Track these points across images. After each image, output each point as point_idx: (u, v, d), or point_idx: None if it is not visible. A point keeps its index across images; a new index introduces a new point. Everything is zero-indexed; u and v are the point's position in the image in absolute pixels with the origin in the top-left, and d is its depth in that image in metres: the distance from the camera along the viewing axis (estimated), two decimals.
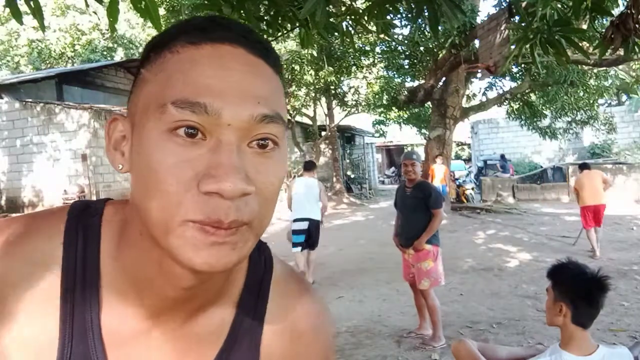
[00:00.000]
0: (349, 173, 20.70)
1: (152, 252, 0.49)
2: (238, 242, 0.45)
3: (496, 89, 13.67)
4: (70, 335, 0.50)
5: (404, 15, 7.36)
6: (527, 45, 2.79)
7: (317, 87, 15.08)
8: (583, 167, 7.53)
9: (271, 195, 0.49)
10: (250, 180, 0.45)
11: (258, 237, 0.49)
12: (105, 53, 23.55)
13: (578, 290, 1.74)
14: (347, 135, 22.19)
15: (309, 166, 6.49)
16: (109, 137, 0.52)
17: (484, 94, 13.87)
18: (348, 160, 21.58)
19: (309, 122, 18.11)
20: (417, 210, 4.09)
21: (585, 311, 1.73)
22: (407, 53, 12.41)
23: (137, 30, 24.16)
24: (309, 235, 6.22)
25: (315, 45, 12.22)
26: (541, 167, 17.22)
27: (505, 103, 13.80)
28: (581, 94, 12.34)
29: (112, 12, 2.04)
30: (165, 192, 0.44)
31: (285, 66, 14.43)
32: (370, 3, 2.62)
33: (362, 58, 14.58)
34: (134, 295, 0.53)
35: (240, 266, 0.59)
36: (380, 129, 19.36)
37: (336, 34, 2.79)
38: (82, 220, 0.55)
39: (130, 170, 0.50)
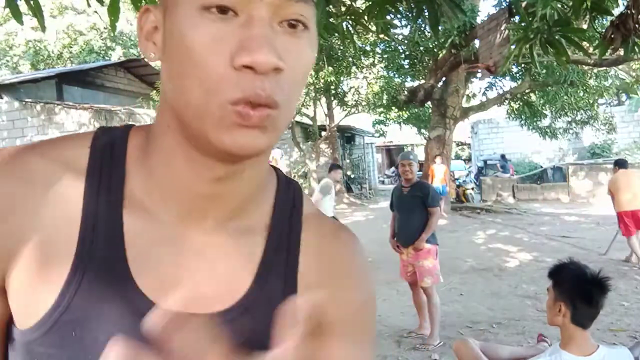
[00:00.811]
0: (349, 173, 20.70)
1: (181, 144, 0.49)
2: (268, 126, 0.45)
3: (496, 89, 13.67)
4: (90, 236, 0.50)
5: (404, 15, 7.35)
6: (527, 45, 2.79)
7: (317, 87, 15.08)
8: (619, 164, 6.53)
9: (300, 78, 0.49)
10: (282, 57, 0.44)
11: (286, 124, 0.49)
12: (102, 53, 23.55)
13: (577, 291, 1.74)
14: (347, 135, 22.19)
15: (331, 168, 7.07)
16: (141, 28, 0.52)
17: (484, 94, 13.87)
18: (348, 160, 21.58)
19: (309, 122, 18.11)
20: (415, 209, 4.11)
21: (585, 311, 1.73)
22: (407, 53, 12.40)
23: (134, 28, 24.17)
24: None
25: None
26: (541, 167, 17.22)
27: (505, 103, 13.80)
28: (581, 94, 12.33)
29: (113, 12, 2.04)
30: (202, 69, 0.44)
31: None
32: (370, 3, 2.62)
33: (362, 58, 14.57)
34: (160, 197, 0.52)
35: (271, 184, 0.60)
36: (380, 129, 19.35)
37: (336, 34, 2.79)
38: (110, 131, 0.56)
39: (162, 58, 0.50)
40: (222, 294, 0.53)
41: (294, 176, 16.46)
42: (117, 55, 23.63)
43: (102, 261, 0.49)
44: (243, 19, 0.45)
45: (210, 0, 0.44)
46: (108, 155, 0.53)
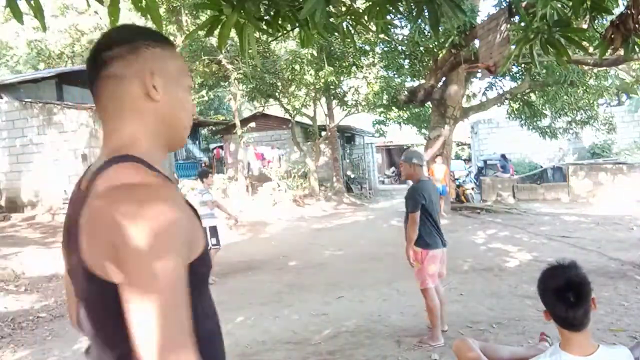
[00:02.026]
0: (349, 173, 20.70)
1: (163, 147, 1.02)
2: None
3: (496, 89, 13.67)
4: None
5: (404, 15, 7.35)
6: (527, 45, 2.79)
7: (317, 87, 15.08)
8: None
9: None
10: None
11: None
12: None
13: (551, 300, 1.74)
14: (347, 135, 22.19)
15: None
16: (151, 81, 0.96)
17: (484, 94, 13.87)
18: (348, 160, 21.58)
19: (309, 122, 18.11)
20: (406, 211, 4.12)
21: (567, 316, 1.71)
22: (407, 53, 12.41)
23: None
24: None
25: (315, 45, 12.23)
26: (541, 167, 17.22)
27: (505, 103, 13.81)
28: (581, 94, 12.34)
29: (114, 12, 2.04)
30: (187, 110, 1.03)
31: (285, 66, 14.44)
32: (370, 3, 2.62)
33: (362, 58, 14.58)
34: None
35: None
36: (380, 129, 19.35)
37: (336, 34, 2.80)
38: (136, 159, 0.92)
39: (162, 100, 0.97)
40: None
41: (294, 176, 16.46)
42: None
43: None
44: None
45: (190, 85, 1.05)
46: (160, 173, 0.93)
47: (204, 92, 17.39)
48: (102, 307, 0.85)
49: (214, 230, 6.61)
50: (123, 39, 0.97)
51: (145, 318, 0.77)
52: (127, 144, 0.94)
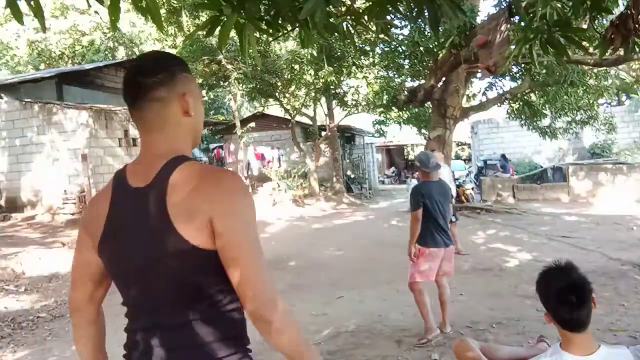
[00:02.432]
0: (349, 173, 20.69)
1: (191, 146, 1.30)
2: None
3: (496, 89, 13.66)
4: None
5: (404, 15, 7.34)
6: (527, 45, 2.79)
7: (317, 87, 15.07)
8: None
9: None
10: None
11: None
12: (107, 53, 23.56)
13: (552, 302, 1.74)
14: (347, 135, 22.18)
15: None
16: (187, 101, 1.21)
17: (484, 94, 13.86)
18: (348, 160, 21.57)
19: (309, 122, 18.11)
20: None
21: (569, 317, 1.71)
22: (407, 53, 12.39)
23: (138, 28, 24.16)
24: None
25: (315, 45, 12.22)
26: (541, 167, 17.22)
27: (505, 103, 13.80)
28: (581, 94, 12.33)
29: (114, 12, 2.04)
30: (203, 119, 1.30)
31: (285, 66, 14.43)
32: (370, 3, 2.62)
33: (362, 58, 14.57)
34: None
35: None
36: (380, 129, 19.34)
37: (336, 34, 2.80)
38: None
39: (193, 115, 1.22)
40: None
41: (294, 176, 16.46)
42: (120, 55, 23.64)
43: None
44: None
45: (201, 98, 1.32)
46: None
47: (204, 92, 17.40)
48: (189, 267, 1.08)
49: None
50: (163, 67, 1.20)
51: (250, 272, 1.06)
52: (175, 149, 1.17)
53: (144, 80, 1.17)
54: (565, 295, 1.71)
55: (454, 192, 7.93)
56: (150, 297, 1.13)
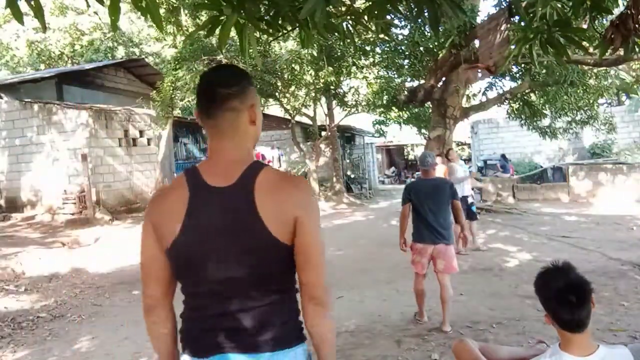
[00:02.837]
0: (349, 173, 20.68)
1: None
2: None
3: (496, 89, 13.65)
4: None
5: (404, 15, 7.35)
6: (527, 45, 2.79)
7: (317, 87, 15.07)
8: None
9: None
10: None
11: None
12: (107, 52, 23.55)
13: (552, 302, 1.73)
14: (347, 135, 22.18)
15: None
16: (254, 112, 1.37)
17: (484, 94, 13.86)
18: (348, 160, 21.57)
19: (309, 122, 18.10)
20: None
21: (569, 318, 1.71)
22: (407, 53, 12.39)
23: (138, 28, 24.15)
24: None
25: (315, 45, 12.22)
26: (541, 167, 17.22)
27: (505, 103, 13.79)
28: (581, 94, 12.32)
29: (114, 11, 2.04)
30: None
31: (285, 66, 14.42)
32: (370, 3, 2.62)
33: (362, 58, 14.57)
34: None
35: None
36: (380, 129, 19.33)
37: (336, 34, 2.80)
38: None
39: (257, 123, 1.39)
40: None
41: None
42: (120, 55, 23.63)
43: None
44: None
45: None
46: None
47: None
48: (271, 258, 1.26)
49: None
50: (237, 81, 1.35)
51: (319, 264, 1.29)
52: (245, 154, 1.34)
53: (220, 92, 1.31)
54: (565, 295, 1.71)
55: (465, 191, 7.91)
56: (230, 285, 1.26)
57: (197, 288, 1.29)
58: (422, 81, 12.63)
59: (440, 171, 11.61)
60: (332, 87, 15.78)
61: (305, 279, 1.28)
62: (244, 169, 1.28)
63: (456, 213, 4.43)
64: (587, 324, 1.72)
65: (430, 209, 4.31)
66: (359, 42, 12.83)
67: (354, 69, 14.85)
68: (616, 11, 3.34)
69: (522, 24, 3.03)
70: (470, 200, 7.87)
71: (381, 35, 11.06)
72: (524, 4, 2.99)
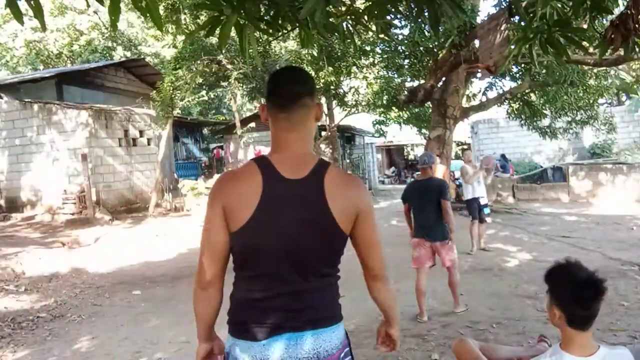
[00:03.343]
0: (348, 173, 20.66)
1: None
2: None
3: (496, 89, 13.66)
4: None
5: (404, 15, 7.34)
6: (527, 45, 2.79)
7: (317, 87, 15.03)
8: None
9: None
10: None
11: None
12: (104, 52, 23.52)
13: (569, 296, 1.71)
14: (347, 135, 22.17)
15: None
16: (320, 109, 1.54)
17: (484, 93, 13.86)
18: (348, 160, 21.57)
19: None
20: None
21: (579, 315, 1.70)
22: (407, 53, 12.38)
23: (137, 29, 24.14)
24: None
25: (315, 45, 12.21)
26: (541, 167, 17.22)
27: (505, 103, 13.79)
28: (581, 94, 12.31)
29: (114, 11, 2.04)
30: None
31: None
32: (370, 3, 2.62)
33: (362, 58, 14.56)
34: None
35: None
36: (380, 129, 19.33)
37: (336, 34, 2.79)
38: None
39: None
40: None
41: None
42: (118, 55, 23.61)
43: None
44: None
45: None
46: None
47: (204, 92, 17.37)
48: (334, 245, 1.46)
49: None
50: (308, 80, 1.52)
51: (380, 250, 1.56)
52: (308, 148, 1.50)
53: (297, 89, 1.46)
54: (584, 290, 1.69)
55: (477, 193, 7.81)
56: (296, 267, 1.41)
57: (263, 270, 1.41)
58: (422, 81, 12.63)
59: (440, 171, 11.66)
60: (332, 87, 15.78)
61: (371, 264, 1.54)
62: (314, 164, 1.43)
63: (443, 213, 4.61)
64: (593, 323, 1.72)
65: (420, 208, 4.73)
66: (359, 42, 12.83)
67: (354, 69, 14.85)
68: (616, 11, 3.34)
69: (522, 24, 3.03)
70: (483, 201, 7.80)
71: (381, 35, 11.05)
72: (524, 4, 2.99)
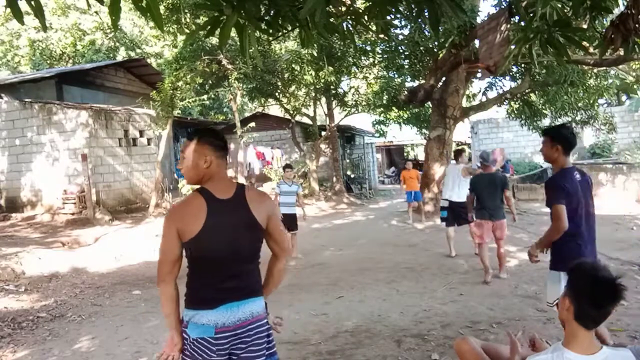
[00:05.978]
0: (349, 173, 20.69)
1: None
2: None
3: (496, 89, 13.66)
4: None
5: (404, 15, 7.35)
6: (527, 45, 2.79)
7: (317, 87, 15.07)
8: None
9: None
10: None
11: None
12: (108, 52, 23.53)
13: (584, 290, 1.70)
14: (347, 135, 22.18)
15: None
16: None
17: (483, 93, 13.86)
18: (348, 160, 21.57)
19: (309, 122, 18.11)
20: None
21: (589, 313, 1.69)
22: (407, 53, 12.39)
23: (140, 29, 24.12)
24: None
25: (315, 45, 12.22)
26: (541, 167, 17.22)
27: (505, 103, 13.79)
28: (581, 94, 12.32)
29: (114, 11, 2.04)
30: None
31: (285, 66, 14.42)
32: (370, 3, 2.62)
33: (362, 58, 14.57)
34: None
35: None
36: (380, 129, 19.34)
37: (336, 34, 2.80)
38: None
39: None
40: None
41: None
42: (121, 55, 23.61)
43: None
44: None
45: None
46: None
47: (205, 97, 17.36)
48: (258, 240, 2.06)
49: (294, 218, 7.69)
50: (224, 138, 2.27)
51: (283, 236, 2.17)
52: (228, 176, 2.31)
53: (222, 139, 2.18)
54: (602, 290, 1.69)
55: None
56: (237, 258, 1.99)
57: (214, 262, 1.96)
58: (422, 81, 12.63)
59: (414, 175, 11.80)
60: (332, 87, 15.78)
61: (280, 246, 2.15)
62: (235, 187, 2.05)
63: (505, 199, 6.07)
64: (597, 325, 1.73)
65: (488, 195, 5.90)
66: (359, 42, 12.84)
67: (354, 69, 14.85)
68: (616, 11, 3.34)
69: (522, 23, 3.03)
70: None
71: (381, 35, 11.08)
72: (524, 4, 2.99)
